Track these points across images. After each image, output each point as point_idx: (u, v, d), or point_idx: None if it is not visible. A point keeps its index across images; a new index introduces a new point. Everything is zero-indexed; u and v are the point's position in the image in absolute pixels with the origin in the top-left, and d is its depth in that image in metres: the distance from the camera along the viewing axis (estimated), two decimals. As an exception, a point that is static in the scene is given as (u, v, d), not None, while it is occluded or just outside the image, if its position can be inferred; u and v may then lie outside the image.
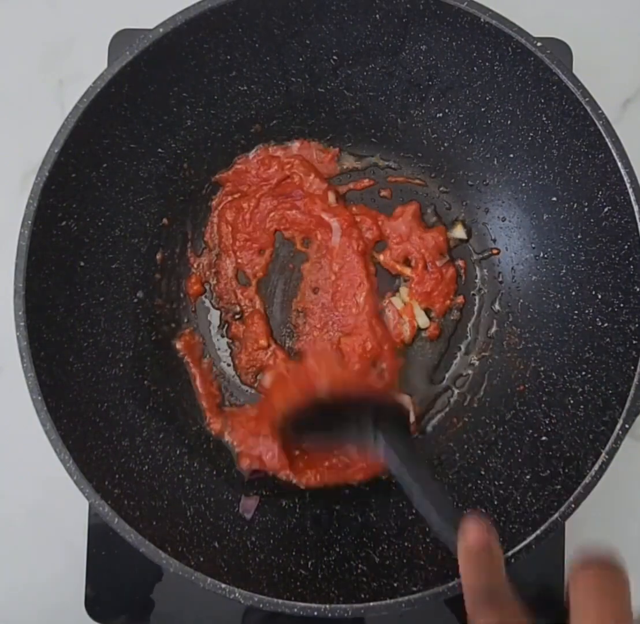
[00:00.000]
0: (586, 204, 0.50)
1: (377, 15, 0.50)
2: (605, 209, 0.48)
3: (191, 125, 0.55)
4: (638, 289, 0.46)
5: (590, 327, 0.50)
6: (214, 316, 0.60)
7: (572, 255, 0.52)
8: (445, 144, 0.58)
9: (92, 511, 0.58)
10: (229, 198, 0.60)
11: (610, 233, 0.48)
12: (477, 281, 0.60)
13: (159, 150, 0.55)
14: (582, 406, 0.49)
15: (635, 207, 0.45)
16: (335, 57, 0.53)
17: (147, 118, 0.52)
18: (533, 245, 0.56)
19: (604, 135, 0.45)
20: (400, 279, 0.60)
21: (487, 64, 0.50)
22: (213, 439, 0.58)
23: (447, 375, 0.60)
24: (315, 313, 0.59)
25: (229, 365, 0.60)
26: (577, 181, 0.50)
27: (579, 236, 0.51)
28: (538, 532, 0.44)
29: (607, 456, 0.44)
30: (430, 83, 0.54)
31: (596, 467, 0.44)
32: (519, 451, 0.53)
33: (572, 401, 0.50)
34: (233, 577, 0.44)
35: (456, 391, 0.59)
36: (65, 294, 0.50)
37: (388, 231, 0.60)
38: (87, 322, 0.52)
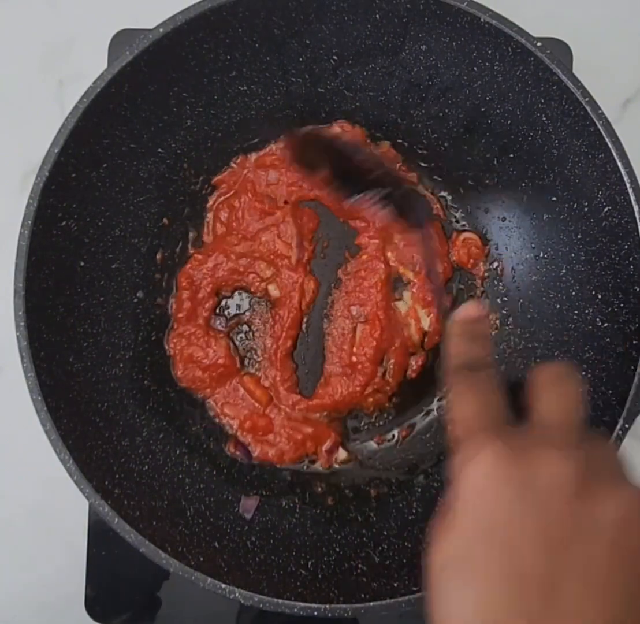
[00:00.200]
0: (586, 204, 0.50)
1: (377, 15, 0.50)
2: (605, 209, 0.48)
3: (191, 125, 0.55)
4: (638, 289, 0.46)
5: (590, 327, 0.50)
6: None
7: (572, 255, 0.52)
8: (445, 144, 0.58)
9: (92, 511, 0.58)
10: (222, 198, 0.60)
11: (610, 233, 0.48)
12: (476, 281, 0.60)
13: (159, 150, 0.55)
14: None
15: (635, 207, 0.45)
16: (335, 57, 0.53)
17: (147, 118, 0.52)
18: (533, 245, 0.56)
19: (604, 135, 0.45)
20: (402, 285, 0.60)
21: (487, 64, 0.50)
22: (213, 439, 0.58)
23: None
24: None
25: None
26: (577, 181, 0.50)
27: (579, 236, 0.51)
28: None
29: (607, 456, 0.44)
30: (430, 83, 0.54)
31: (596, 467, 0.44)
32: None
33: (572, 401, 0.50)
34: (233, 577, 0.44)
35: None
36: (65, 294, 0.50)
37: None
38: (87, 322, 0.52)
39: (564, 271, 0.53)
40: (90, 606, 0.58)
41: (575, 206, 0.51)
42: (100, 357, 0.53)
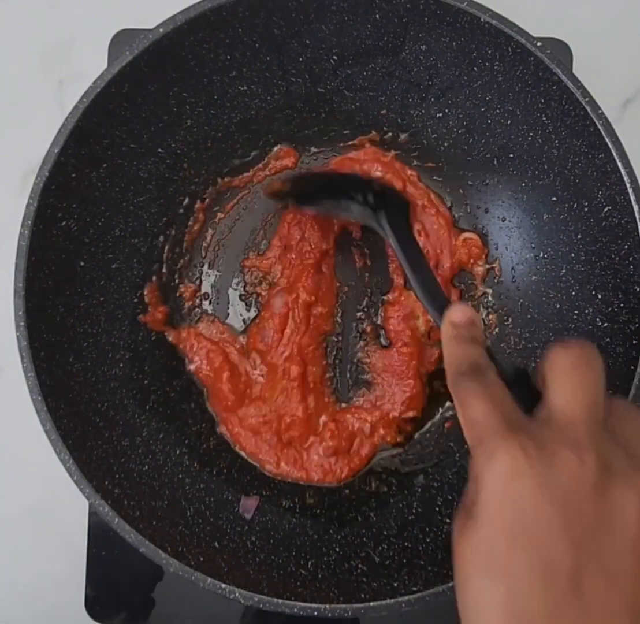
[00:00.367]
0: (586, 204, 0.50)
1: (377, 15, 0.50)
2: (605, 209, 0.48)
3: (191, 125, 0.55)
4: (638, 289, 0.46)
5: (590, 327, 0.50)
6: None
7: (572, 255, 0.52)
8: (445, 144, 0.58)
9: (92, 511, 0.58)
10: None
11: (610, 233, 0.48)
12: (476, 281, 0.60)
13: (159, 150, 0.55)
14: (582, 406, 0.49)
15: (635, 207, 0.45)
16: (335, 57, 0.53)
17: (147, 118, 0.52)
18: (533, 245, 0.56)
19: (604, 135, 0.45)
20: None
21: (487, 64, 0.50)
22: (213, 439, 0.58)
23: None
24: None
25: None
26: (577, 181, 0.50)
27: (579, 236, 0.51)
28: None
29: (607, 456, 0.44)
30: (430, 83, 0.54)
31: (596, 467, 0.44)
32: (519, 451, 0.53)
33: (572, 401, 0.50)
34: (233, 577, 0.44)
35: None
36: (65, 294, 0.50)
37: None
38: (87, 322, 0.52)
39: (564, 271, 0.53)
40: (90, 606, 0.58)
41: (575, 206, 0.51)
42: (100, 357, 0.53)
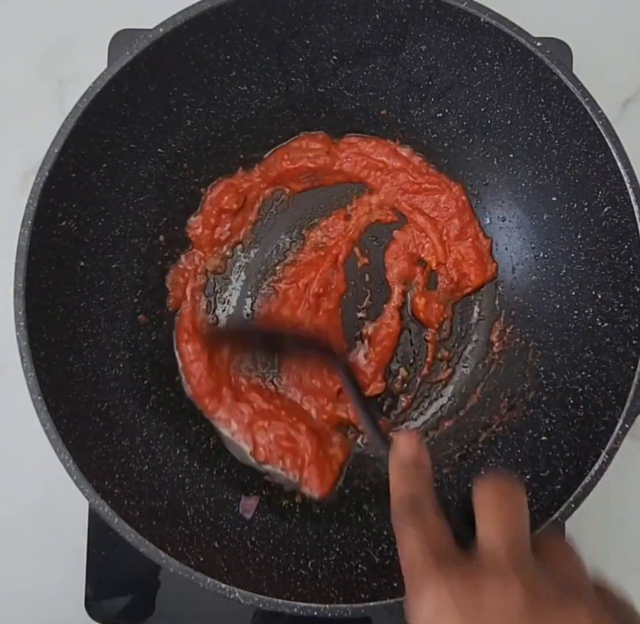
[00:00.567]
0: (586, 204, 0.50)
1: (377, 15, 0.50)
2: (605, 209, 0.48)
3: (191, 125, 0.55)
4: (638, 289, 0.46)
5: (590, 327, 0.50)
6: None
7: (572, 255, 0.52)
8: (445, 144, 0.58)
9: (92, 511, 0.58)
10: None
11: (610, 233, 0.48)
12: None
13: (159, 150, 0.55)
14: (582, 406, 0.49)
15: (635, 207, 0.45)
16: (335, 57, 0.54)
17: (147, 118, 0.52)
18: (533, 245, 0.56)
19: (604, 135, 0.45)
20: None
21: (487, 64, 0.50)
22: (213, 439, 0.58)
23: (447, 375, 0.60)
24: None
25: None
26: (577, 181, 0.50)
27: (579, 236, 0.51)
28: (538, 532, 0.44)
29: (607, 456, 0.44)
30: (430, 83, 0.54)
31: (596, 467, 0.44)
32: (519, 451, 0.53)
33: (572, 401, 0.50)
34: (233, 577, 0.44)
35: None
36: (65, 294, 0.50)
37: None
38: (87, 322, 0.52)
39: (564, 271, 0.53)
40: (90, 606, 0.58)
41: (575, 206, 0.51)
42: (100, 357, 0.53)
